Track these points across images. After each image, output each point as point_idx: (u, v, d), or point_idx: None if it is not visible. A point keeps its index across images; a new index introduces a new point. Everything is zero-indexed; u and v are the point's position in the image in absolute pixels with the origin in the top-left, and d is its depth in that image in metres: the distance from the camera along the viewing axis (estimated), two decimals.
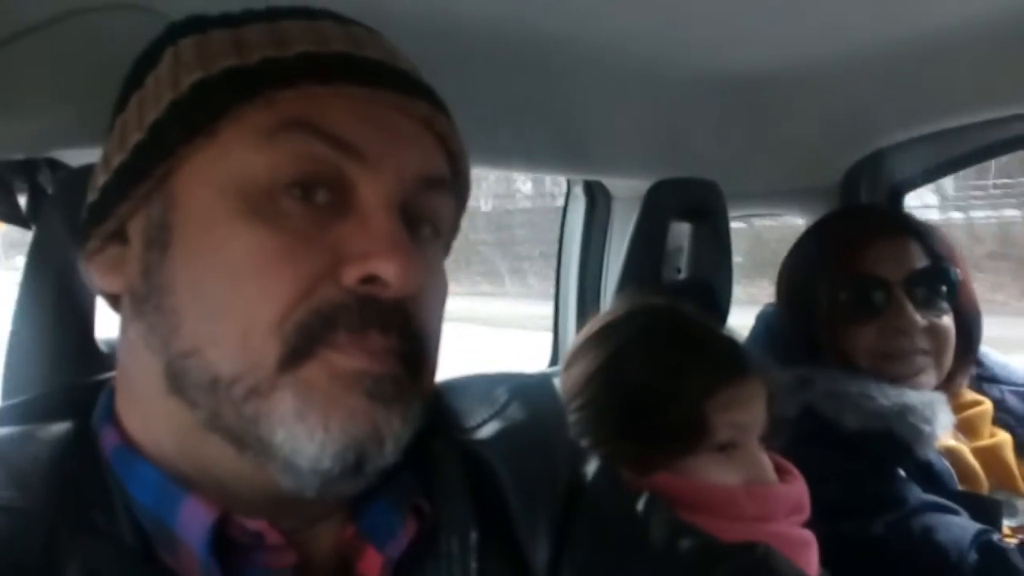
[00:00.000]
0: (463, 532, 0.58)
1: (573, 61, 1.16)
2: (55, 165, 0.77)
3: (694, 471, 0.91)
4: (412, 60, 0.59)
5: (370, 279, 0.49)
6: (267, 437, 0.48)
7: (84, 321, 0.72)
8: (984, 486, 1.18)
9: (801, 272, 1.34)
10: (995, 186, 8.43)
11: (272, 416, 0.48)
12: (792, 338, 1.31)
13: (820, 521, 0.94)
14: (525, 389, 0.71)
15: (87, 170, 0.60)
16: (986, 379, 1.33)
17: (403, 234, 0.51)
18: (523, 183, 9.59)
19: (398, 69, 0.55)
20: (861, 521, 1.07)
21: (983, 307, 1.31)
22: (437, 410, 0.63)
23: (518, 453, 0.64)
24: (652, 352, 0.95)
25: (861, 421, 1.14)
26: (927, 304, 1.22)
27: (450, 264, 0.62)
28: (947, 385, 1.26)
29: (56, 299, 0.71)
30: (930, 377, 1.22)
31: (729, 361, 0.95)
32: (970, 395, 1.29)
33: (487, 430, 0.65)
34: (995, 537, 1.04)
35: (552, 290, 1.66)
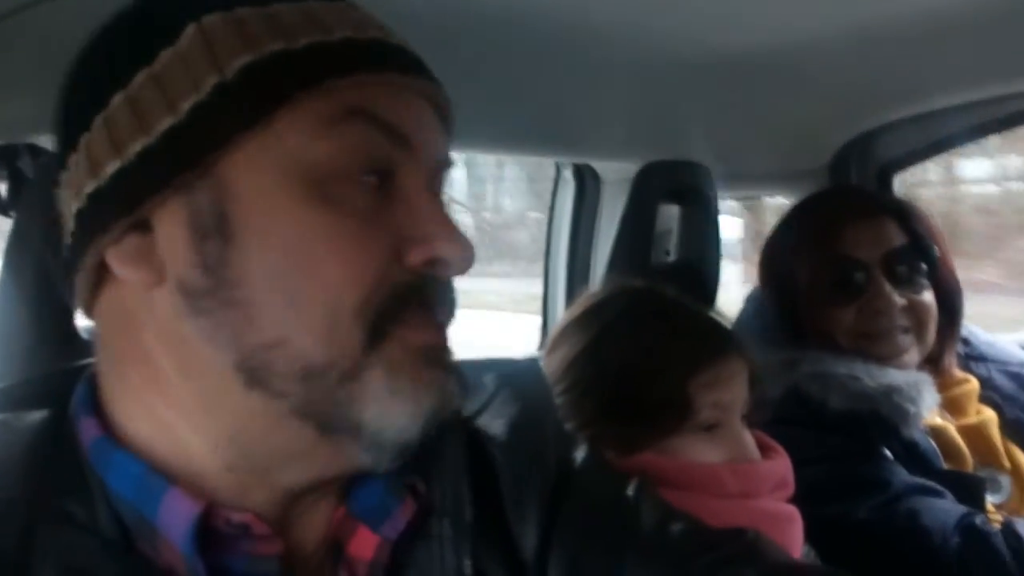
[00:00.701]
0: (458, 514, 0.58)
1: (561, 43, 1.15)
2: (36, 151, 0.76)
3: (678, 450, 0.92)
4: None
5: (433, 261, 0.52)
6: (358, 416, 0.50)
7: (65, 308, 0.71)
8: (969, 464, 1.19)
9: (781, 255, 1.35)
10: None
11: (365, 396, 0.50)
12: (776, 319, 1.31)
13: (805, 503, 0.95)
14: (514, 376, 0.71)
15: None
16: (974, 358, 1.34)
17: (452, 217, 0.54)
18: None
19: (416, 55, 0.57)
20: (846, 505, 1.08)
21: None
22: None
23: (509, 439, 0.64)
24: (634, 333, 0.96)
25: (847, 402, 1.15)
26: (906, 282, 1.23)
27: None
28: (935, 363, 1.27)
29: (37, 286, 0.70)
30: (913, 355, 1.23)
31: (710, 340, 0.95)
32: (957, 373, 1.30)
33: (479, 417, 0.66)
34: (978, 520, 1.05)
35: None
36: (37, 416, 0.54)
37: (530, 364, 0.76)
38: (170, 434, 0.52)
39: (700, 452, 0.92)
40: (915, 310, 1.23)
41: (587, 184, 1.58)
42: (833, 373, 1.17)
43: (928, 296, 1.25)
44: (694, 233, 1.36)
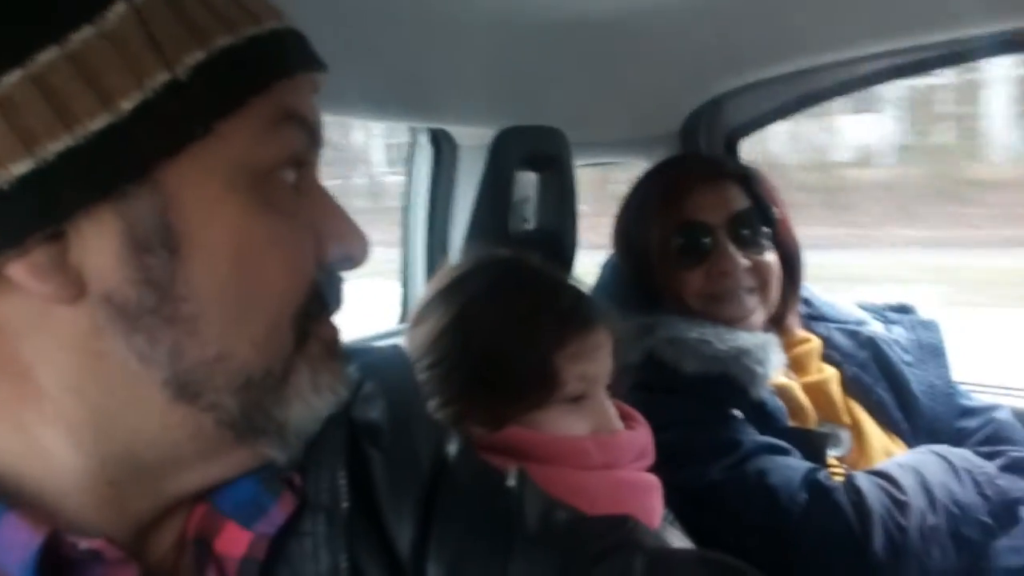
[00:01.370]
0: (333, 509, 0.55)
1: (414, 5, 1.11)
2: None
3: (544, 423, 0.92)
4: None
5: (346, 258, 0.53)
6: (283, 417, 0.50)
7: None
8: (812, 420, 1.25)
9: (633, 221, 1.37)
10: None
11: (291, 396, 0.50)
12: (631, 285, 1.34)
13: (662, 467, 0.97)
14: (378, 365, 0.67)
15: None
16: (814, 318, 1.40)
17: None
18: None
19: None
20: (700, 467, 1.12)
21: None
22: None
23: (381, 432, 0.62)
24: (500, 307, 0.94)
25: (700, 366, 1.18)
26: (750, 244, 1.28)
27: None
28: (779, 323, 1.33)
29: None
30: (759, 316, 1.29)
31: (577, 313, 0.95)
32: (800, 333, 1.36)
33: (342, 409, 0.62)
34: (822, 476, 1.11)
35: None
36: None
37: (393, 352, 0.72)
38: (36, 451, 0.46)
39: (566, 424, 0.92)
40: (759, 270, 1.28)
41: (443, 150, 1.55)
42: (686, 338, 1.20)
43: (771, 256, 1.30)
44: (552, 200, 1.36)
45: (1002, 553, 1.16)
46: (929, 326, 1.41)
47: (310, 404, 0.51)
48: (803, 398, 1.26)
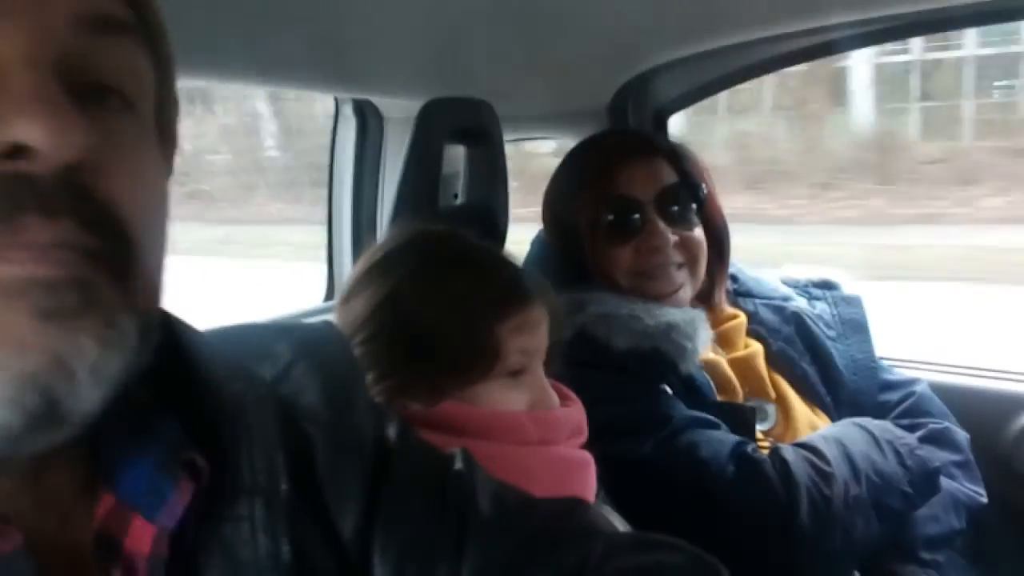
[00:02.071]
0: (272, 493, 0.52)
1: None
2: None
3: (483, 398, 0.91)
4: None
5: (16, 150, 0.37)
6: None
7: None
8: (739, 395, 1.27)
9: (563, 196, 1.36)
10: None
11: None
12: (562, 261, 1.32)
13: (594, 442, 0.97)
14: (311, 343, 0.64)
15: None
16: (741, 294, 1.42)
17: (53, 90, 0.39)
18: None
19: None
20: (631, 442, 1.12)
21: None
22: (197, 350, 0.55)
23: (320, 413, 0.59)
24: (439, 281, 0.93)
25: (630, 341, 1.18)
26: (678, 220, 1.28)
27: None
28: (707, 299, 1.34)
29: None
30: (687, 291, 1.29)
31: (517, 287, 0.94)
32: (727, 309, 1.37)
33: (278, 388, 0.59)
34: (750, 448, 1.12)
35: None
36: None
37: (326, 328, 0.69)
38: None
39: (504, 398, 0.91)
40: (687, 246, 1.28)
41: (369, 122, 1.51)
42: (616, 314, 1.20)
43: (699, 232, 1.30)
44: (481, 175, 1.33)
45: (921, 522, 1.20)
46: (852, 301, 1.44)
47: None
48: (730, 373, 1.27)
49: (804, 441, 1.16)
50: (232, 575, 0.49)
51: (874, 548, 1.15)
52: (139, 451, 0.47)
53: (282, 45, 1.10)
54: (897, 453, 1.15)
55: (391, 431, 0.65)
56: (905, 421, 1.31)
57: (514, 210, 1.36)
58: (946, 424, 1.33)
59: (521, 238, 1.42)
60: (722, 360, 1.28)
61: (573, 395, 0.99)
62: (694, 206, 1.31)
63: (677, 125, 1.86)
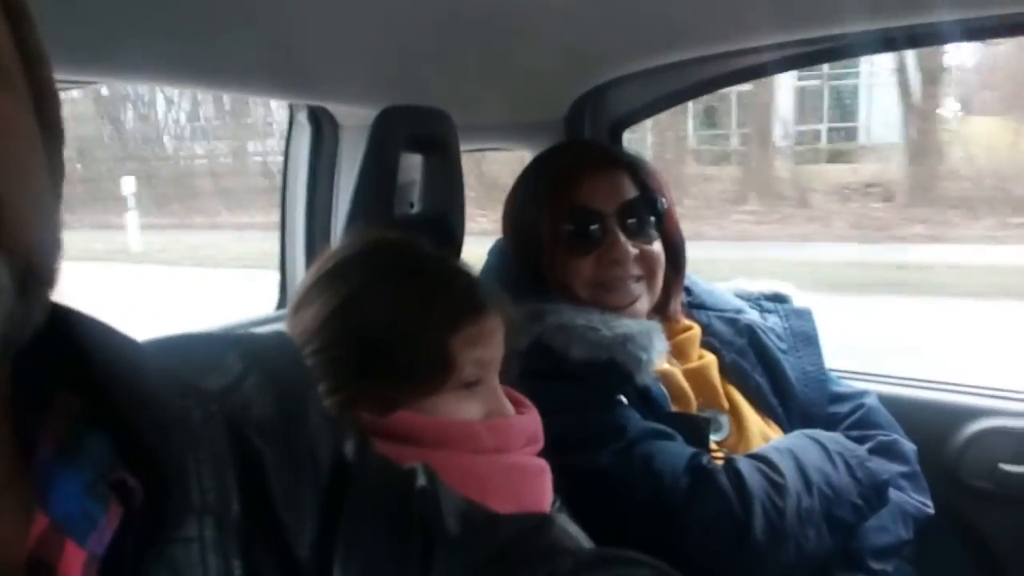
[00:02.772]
0: (223, 512, 0.50)
1: None
2: None
3: (436, 408, 0.89)
4: None
5: None
6: None
7: None
8: (693, 405, 1.27)
9: (523, 207, 1.36)
10: None
11: None
12: (520, 272, 1.32)
13: (551, 452, 0.96)
14: (262, 354, 0.61)
15: None
16: (695, 306, 1.43)
17: None
18: None
19: None
20: (588, 453, 1.11)
21: None
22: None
23: (272, 429, 0.56)
24: (394, 290, 0.91)
25: (587, 352, 1.18)
26: (637, 233, 1.28)
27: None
28: (663, 311, 1.35)
29: None
30: (644, 303, 1.30)
31: (472, 297, 0.93)
32: (682, 321, 1.38)
33: (227, 401, 0.56)
34: (705, 460, 1.12)
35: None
36: None
37: (278, 339, 0.67)
38: None
39: (458, 409, 0.90)
40: (646, 259, 1.28)
41: (324, 130, 1.49)
42: (574, 324, 1.20)
43: (657, 246, 1.31)
44: (438, 184, 1.32)
45: (870, 532, 1.21)
46: (802, 315, 1.46)
47: None
48: (685, 384, 1.27)
49: (758, 452, 1.17)
50: None
51: (824, 558, 1.15)
52: (69, 470, 0.45)
53: (234, 49, 1.08)
54: (848, 465, 1.16)
55: (348, 446, 0.63)
56: (855, 433, 1.32)
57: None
58: (894, 436, 1.35)
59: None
60: (677, 371, 1.29)
61: (528, 402, 0.99)
62: (653, 220, 1.31)
63: None
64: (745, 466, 1.11)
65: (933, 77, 11.34)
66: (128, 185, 9.95)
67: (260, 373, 0.58)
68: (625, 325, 1.20)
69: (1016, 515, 1.54)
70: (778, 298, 1.50)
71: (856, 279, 7.79)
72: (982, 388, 1.65)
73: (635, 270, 1.28)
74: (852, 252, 9.12)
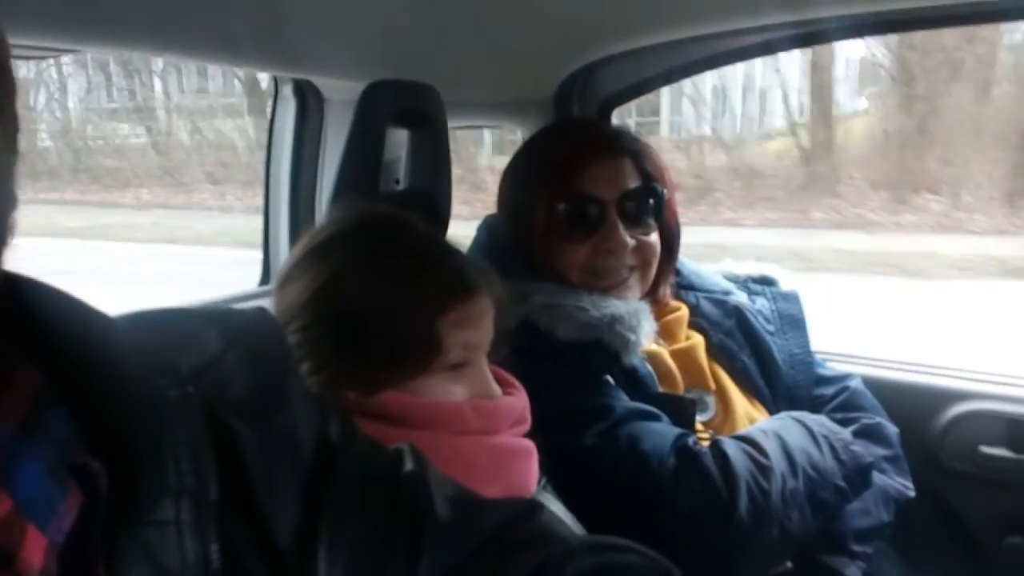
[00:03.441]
0: (200, 495, 0.49)
1: None
2: None
3: (423, 389, 0.88)
4: None
5: None
6: None
7: None
8: (680, 386, 1.27)
9: (520, 187, 1.33)
10: None
11: None
12: (510, 249, 1.30)
13: (537, 432, 0.96)
14: (243, 332, 0.60)
15: None
16: (683, 287, 1.42)
17: None
18: None
19: None
20: (574, 433, 1.11)
21: None
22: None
23: (251, 409, 0.55)
24: (382, 269, 0.89)
25: (575, 332, 1.17)
26: (636, 222, 1.26)
27: None
28: (652, 293, 1.34)
29: None
30: (635, 291, 1.28)
31: (462, 279, 0.91)
32: (670, 302, 1.37)
33: (203, 379, 0.54)
34: (691, 441, 1.12)
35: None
36: None
37: (259, 315, 0.65)
38: None
39: (445, 391, 0.89)
40: (642, 249, 1.27)
41: (310, 103, 1.46)
42: (561, 304, 1.19)
43: (654, 237, 1.29)
44: (424, 160, 1.30)
45: (852, 515, 1.22)
46: (790, 298, 1.45)
47: None
48: (672, 364, 1.27)
49: (744, 434, 1.17)
50: None
51: (807, 540, 1.16)
52: (31, 451, 0.43)
53: (219, 19, 1.06)
54: (832, 448, 1.16)
55: (333, 427, 0.62)
56: (839, 415, 1.33)
57: None
58: (878, 419, 1.35)
59: None
60: (664, 351, 1.28)
61: (516, 383, 0.98)
62: (653, 209, 1.29)
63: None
64: (731, 447, 1.11)
65: None
66: None
67: (238, 351, 0.57)
68: (613, 305, 1.19)
69: (995, 497, 1.55)
70: (765, 281, 1.49)
71: None
72: (964, 371, 1.66)
73: (630, 260, 1.26)
74: None
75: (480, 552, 0.60)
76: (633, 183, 1.26)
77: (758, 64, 11.68)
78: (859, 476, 1.16)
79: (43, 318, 0.46)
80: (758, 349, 1.35)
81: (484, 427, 0.88)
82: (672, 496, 1.08)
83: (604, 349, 1.16)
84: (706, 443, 1.14)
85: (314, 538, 0.55)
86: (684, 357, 1.30)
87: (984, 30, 9.43)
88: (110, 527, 0.45)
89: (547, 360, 1.15)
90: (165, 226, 10.26)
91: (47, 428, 0.44)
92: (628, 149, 1.29)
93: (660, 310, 1.33)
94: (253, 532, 0.52)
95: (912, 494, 1.32)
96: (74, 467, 0.44)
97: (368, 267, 0.89)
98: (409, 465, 0.64)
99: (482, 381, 0.92)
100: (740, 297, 1.42)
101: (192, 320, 0.60)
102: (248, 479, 0.53)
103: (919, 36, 9.46)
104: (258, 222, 1.54)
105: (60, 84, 12.29)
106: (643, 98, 1.80)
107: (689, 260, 1.47)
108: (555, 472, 1.03)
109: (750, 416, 1.28)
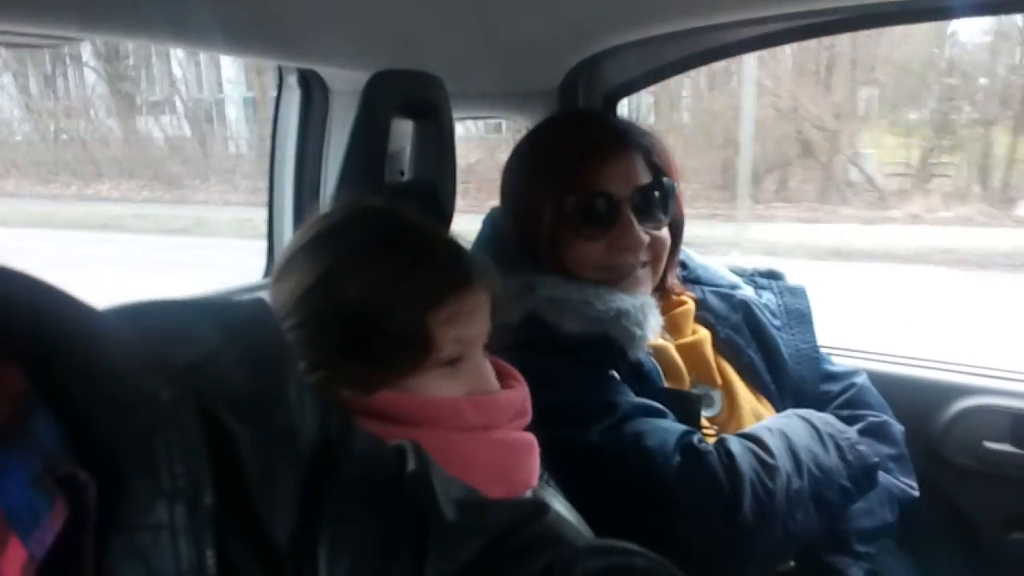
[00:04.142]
0: (195, 498, 0.48)
1: None
2: None
3: (418, 387, 0.86)
4: None
5: None
6: None
7: None
8: (686, 381, 1.26)
9: (526, 180, 1.30)
10: None
11: None
12: (515, 243, 1.29)
13: (540, 427, 0.95)
14: (239, 325, 0.58)
15: None
16: (690, 280, 1.41)
17: None
18: None
19: None
20: (578, 428, 1.10)
21: None
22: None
23: (248, 407, 0.54)
24: (373, 264, 0.86)
25: (580, 326, 1.16)
26: (649, 217, 1.24)
27: None
28: (659, 286, 1.32)
29: None
30: (647, 286, 1.27)
31: (455, 272, 0.89)
32: (676, 296, 1.36)
33: (200, 375, 0.53)
34: (696, 439, 1.11)
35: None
36: None
37: (257, 308, 0.63)
38: None
39: (441, 387, 0.87)
40: (655, 245, 1.25)
41: (314, 94, 1.45)
42: (567, 298, 1.17)
43: (665, 231, 1.28)
44: (429, 151, 1.29)
45: (857, 515, 1.21)
46: (797, 292, 1.44)
47: None
48: (678, 359, 1.26)
49: (749, 432, 1.16)
50: None
51: (811, 540, 1.15)
52: (15, 456, 0.42)
53: (224, 8, 1.04)
54: (839, 448, 1.15)
55: (332, 426, 0.61)
56: (845, 412, 1.32)
57: None
58: (884, 417, 1.34)
59: None
60: (670, 346, 1.27)
61: (518, 375, 0.96)
62: (663, 203, 1.27)
63: None
64: (736, 446, 1.10)
65: None
66: None
67: (238, 345, 0.56)
68: (620, 299, 1.18)
69: (999, 493, 1.55)
70: (772, 275, 1.48)
71: None
72: (968, 366, 1.66)
73: (644, 257, 1.24)
74: None
75: (486, 553, 0.59)
76: (645, 178, 1.24)
77: None
78: (864, 476, 1.16)
79: (25, 313, 0.44)
80: (765, 344, 1.34)
81: (484, 422, 0.87)
82: (676, 494, 1.07)
83: (610, 343, 1.15)
84: (711, 440, 1.13)
85: (314, 540, 0.54)
86: (690, 352, 1.29)
87: None
88: (101, 531, 0.44)
89: (552, 354, 1.14)
90: None
91: (32, 433, 0.43)
92: (638, 143, 1.27)
93: (666, 304, 1.32)
94: (250, 534, 0.51)
95: (916, 494, 1.31)
96: (61, 478, 0.43)
97: (359, 261, 0.87)
98: (412, 464, 0.63)
99: (480, 376, 0.90)
100: (747, 291, 1.41)
101: (187, 313, 0.59)
102: (245, 479, 0.52)
103: None
104: None
105: None
106: None
107: (695, 253, 1.46)
108: (557, 467, 1.03)
109: (756, 412, 1.27)
